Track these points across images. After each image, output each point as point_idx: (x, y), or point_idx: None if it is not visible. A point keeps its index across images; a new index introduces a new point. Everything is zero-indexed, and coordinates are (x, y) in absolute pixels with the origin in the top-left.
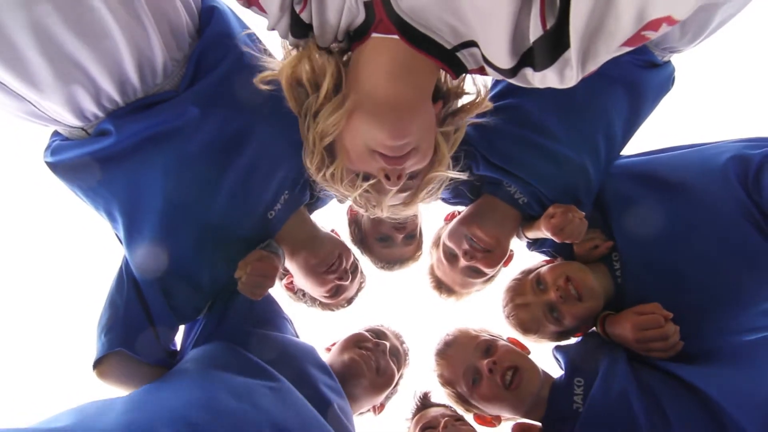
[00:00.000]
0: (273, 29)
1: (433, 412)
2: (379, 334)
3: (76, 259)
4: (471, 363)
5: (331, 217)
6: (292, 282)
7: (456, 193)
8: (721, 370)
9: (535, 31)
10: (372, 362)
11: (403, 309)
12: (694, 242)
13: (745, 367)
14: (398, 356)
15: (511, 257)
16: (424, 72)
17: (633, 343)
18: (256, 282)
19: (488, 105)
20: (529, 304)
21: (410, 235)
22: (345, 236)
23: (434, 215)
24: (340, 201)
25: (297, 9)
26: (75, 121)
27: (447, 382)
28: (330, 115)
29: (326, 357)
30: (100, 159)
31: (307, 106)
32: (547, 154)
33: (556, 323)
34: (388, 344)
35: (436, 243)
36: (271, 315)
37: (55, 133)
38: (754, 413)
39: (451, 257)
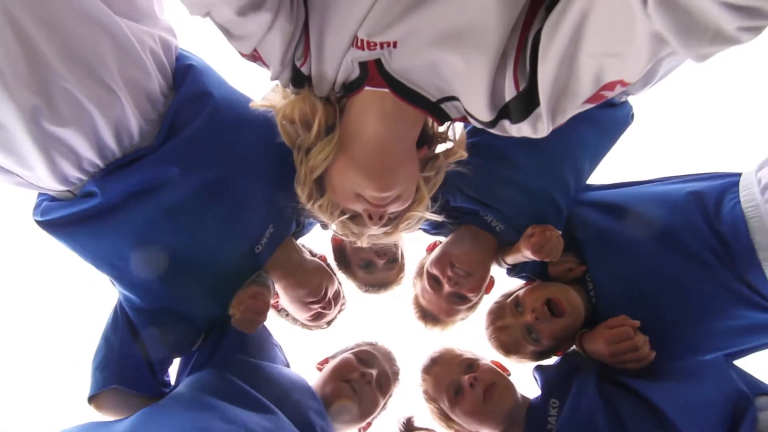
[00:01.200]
0: (275, 79)
1: None
2: (367, 360)
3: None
4: (454, 378)
5: (322, 241)
6: (277, 302)
7: (436, 224)
8: (677, 388)
9: (510, 92)
10: (354, 397)
11: (396, 322)
12: (659, 267)
13: (699, 386)
14: (386, 382)
15: (492, 284)
16: (411, 120)
17: (608, 357)
18: (249, 319)
19: (463, 154)
20: (509, 326)
21: (392, 259)
22: (332, 261)
23: (417, 245)
24: (324, 227)
25: (298, 64)
26: (60, 187)
27: (431, 398)
28: (320, 152)
29: (316, 375)
30: (87, 217)
31: (300, 141)
32: (517, 185)
33: (534, 343)
34: (374, 372)
35: (420, 273)
36: (262, 343)
37: (42, 192)
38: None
39: (435, 284)
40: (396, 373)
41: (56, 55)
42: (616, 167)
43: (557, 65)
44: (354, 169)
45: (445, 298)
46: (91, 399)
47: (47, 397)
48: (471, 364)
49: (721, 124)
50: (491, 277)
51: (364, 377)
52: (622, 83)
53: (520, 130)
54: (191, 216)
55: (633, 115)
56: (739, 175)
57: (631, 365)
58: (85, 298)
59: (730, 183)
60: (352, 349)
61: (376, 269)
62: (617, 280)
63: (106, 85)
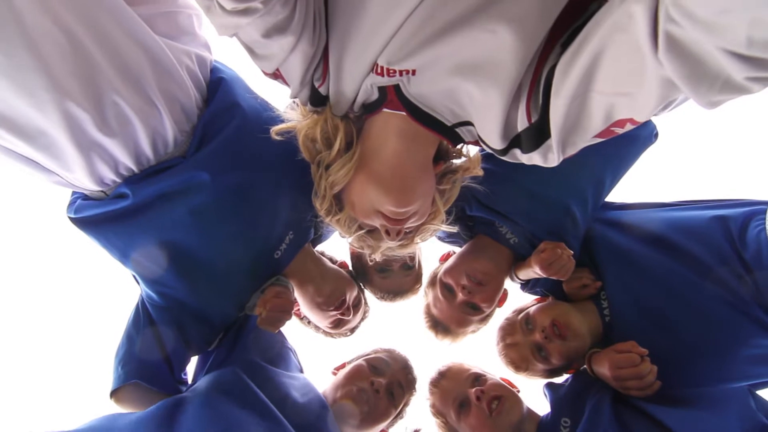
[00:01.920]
0: (294, 97)
1: None
2: (379, 368)
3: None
4: (461, 392)
5: (341, 248)
6: (298, 309)
7: (451, 233)
8: (696, 416)
9: (522, 123)
10: (362, 404)
11: (419, 333)
12: (679, 290)
13: (719, 415)
14: (398, 391)
15: (505, 296)
16: (426, 142)
17: (612, 381)
18: (275, 318)
19: (479, 172)
20: (518, 343)
21: (407, 265)
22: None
23: (431, 255)
24: (343, 236)
25: (316, 84)
26: (96, 187)
27: (438, 412)
28: (340, 169)
29: (331, 380)
30: (118, 216)
31: (320, 157)
32: (533, 194)
33: (544, 362)
34: (384, 381)
35: (433, 282)
36: (277, 346)
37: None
38: None
39: (448, 294)
40: (411, 382)
41: (112, 70)
42: (639, 187)
43: (569, 101)
44: (373, 185)
45: (458, 308)
46: (113, 393)
47: (71, 393)
48: (478, 378)
49: (748, 150)
50: (504, 289)
51: (372, 386)
52: (633, 122)
53: (531, 159)
54: (214, 218)
55: (657, 134)
56: (766, 203)
57: (634, 392)
58: (107, 295)
59: (756, 210)
60: (368, 355)
61: (392, 274)
62: (634, 300)
63: (149, 100)
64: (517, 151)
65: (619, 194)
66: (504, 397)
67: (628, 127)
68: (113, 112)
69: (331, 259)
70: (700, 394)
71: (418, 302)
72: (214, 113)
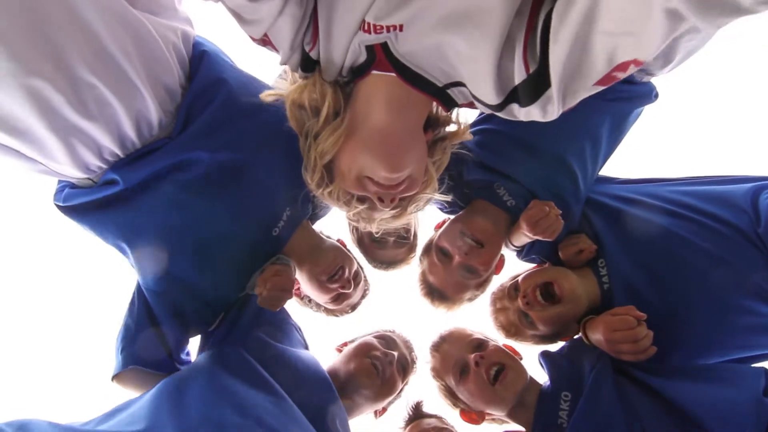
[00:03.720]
0: (285, 64)
1: (425, 423)
2: (389, 343)
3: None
4: (461, 357)
5: (338, 226)
6: (299, 289)
7: (449, 203)
8: (709, 392)
9: (519, 75)
10: (377, 372)
11: (412, 311)
12: (681, 257)
13: (733, 392)
14: (405, 366)
15: (502, 263)
16: (417, 105)
17: (604, 345)
18: (275, 296)
19: (469, 136)
20: (507, 308)
21: (401, 237)
22: (350, 243)
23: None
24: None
25: (307, 48)
26: (81, 175)
27: (438, 375)
28: (329, 136)
29: (335, 357)
30: (109, 202)
31: (308, 127)
32: (533, 151)
33: (531, 327)
34: (396, 354)
35: (428, 249)
36: (280, 323)
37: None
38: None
39: (444, 257)
40: (414, 361)
41: (86, 50)
42: (638, 165)
43: (570, 45)
44: (363, 153)
45: (454, 271)
46: (114, 378)
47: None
48: (480, 344)
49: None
50: (501, 255)
51: (386, 356)
52: (636, 62)
53: (529, 113)
54: (208, 197)
55: (656, 94)
56: None
57: (627, 357)
58: (105, 281)
59: (762, 186)
60: (372, 334)
61: (387, 245)
62: (633, 267)
63: (130, 82)
64: (515, 106)
65: (619, 171)
66: (508, 367)
67: (631, 69)
68: (91, 94)
69: (329, 238)
70: (709, 368)
71: (415, 288)
72: (199, 90)
